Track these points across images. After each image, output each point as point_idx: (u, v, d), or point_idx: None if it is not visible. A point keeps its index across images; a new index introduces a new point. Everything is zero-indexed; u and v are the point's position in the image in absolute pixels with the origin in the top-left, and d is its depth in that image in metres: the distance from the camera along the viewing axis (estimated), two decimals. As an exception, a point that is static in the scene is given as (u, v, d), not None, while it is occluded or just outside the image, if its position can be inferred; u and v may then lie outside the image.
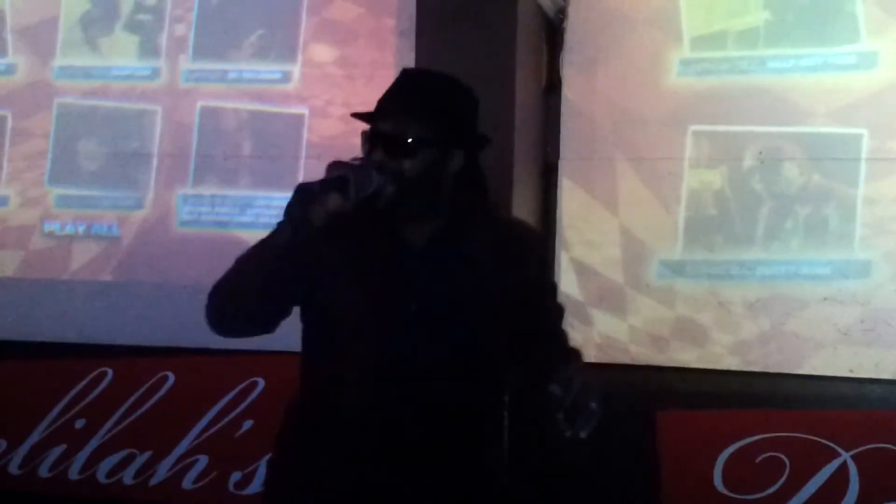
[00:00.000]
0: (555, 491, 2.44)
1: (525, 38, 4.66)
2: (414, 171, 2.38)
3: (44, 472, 4.80)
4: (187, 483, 4.69)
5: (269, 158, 4.92)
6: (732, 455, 4.22)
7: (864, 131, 4.39)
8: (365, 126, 2.43)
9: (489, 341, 2.48)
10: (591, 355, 4.26)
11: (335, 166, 2.31)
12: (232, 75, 5.02)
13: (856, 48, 4.43)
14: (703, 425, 4.29)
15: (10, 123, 5.18)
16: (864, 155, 4.38)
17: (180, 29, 5.08)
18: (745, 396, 4.33)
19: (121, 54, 5.14)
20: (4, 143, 5.17)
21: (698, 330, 4.48)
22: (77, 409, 4.80)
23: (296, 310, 2.51)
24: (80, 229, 5.07)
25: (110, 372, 4.79)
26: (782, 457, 4.18)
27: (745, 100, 4.52)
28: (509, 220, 2.93)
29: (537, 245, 2.64)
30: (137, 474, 4.73)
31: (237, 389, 4.67)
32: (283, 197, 5.00)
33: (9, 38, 5.21)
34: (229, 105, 5.01)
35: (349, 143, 4.64)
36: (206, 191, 4.97)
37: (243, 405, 4.66)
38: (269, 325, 2.43)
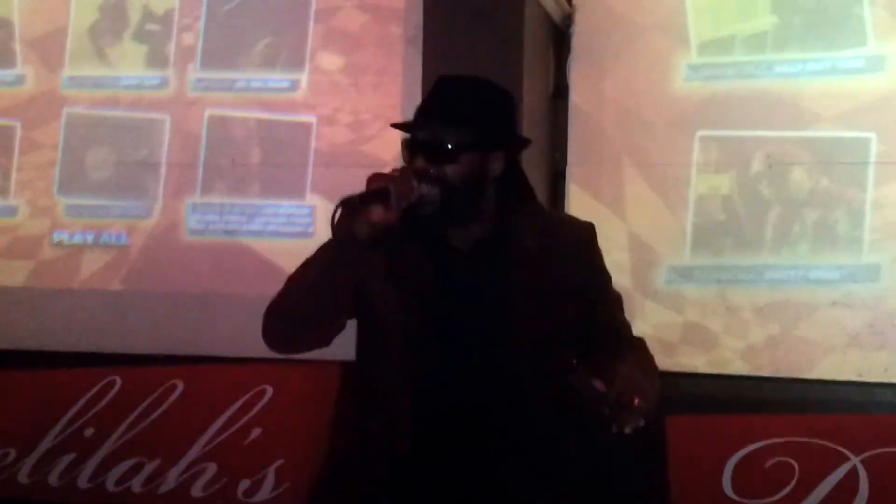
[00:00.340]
0: (564, 495, 2.45)
1: (532, 44, 4.66)
2: (456, 176, 2.39)
3: (53, 480, 4.81)
4: (196, 491, 4.69)
5: (277, 166, 4.93)
6: (742, 460, 4.21)
7: (872, 135, 4.38)
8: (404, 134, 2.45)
9: (547, 339, 2.47)
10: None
11: (375, 178, 2.32)
12: (240, 84, 5.03)
13: (863, 52, 4.42)
14: (713, 430, 4.28)
15: (19, 134, 5.20)
16: (872, 159, 4.37)
17: (188, 38, 5.09)
18: (754, 401, 4.31)
19: (129, 64, 5.15)
20: (14, 154, 5.18)
21: (707, 335, 4.47)
22: (86, 417, 4.80)
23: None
24: (90, 239, 5.08)
25: (119, 380, 4.80)
26: (791, 461, 4.17)
27: (753, 104, 4.51)
28: (559, 215, 2.93)
29: (591, 237, 2.63)
30: (146, 482, 4.74)
31: (246, 397, 4.67)
32: (291, 205, 5.04)
33: (17, 48, 5.23)
34: (237, 114, 5.02)
35: (357, 150, 4.69)
36: (215, 199, 4.98)
37: (252, 413, 4.66)
38: (325, 340, 2.46)
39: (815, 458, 4.15)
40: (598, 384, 2.29)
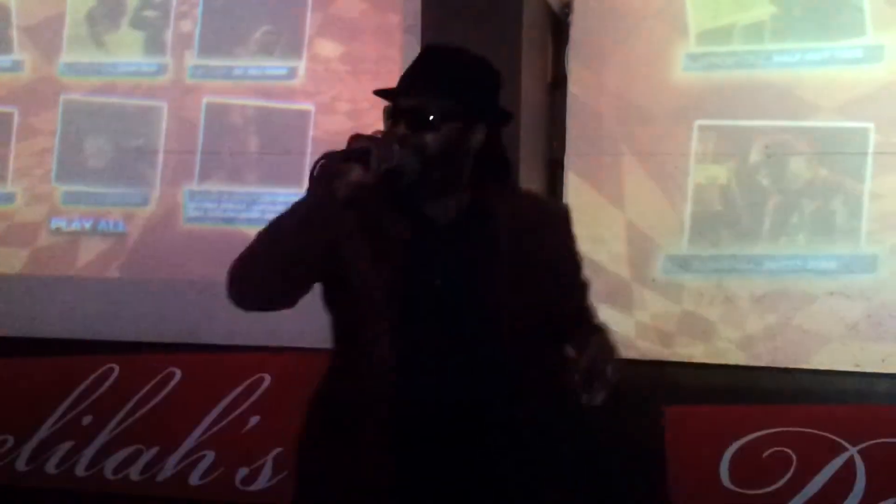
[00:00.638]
0: (561, 486, 2.44)
1: (530, 33, 4.66)
2: (436, 144, 2.37)
3: (51, 468, 4.81)
4: (194, 479, 4.69)
5: (275, 154, 4.93)
6: (739, 450, 4.21)
7: (870, 125, 4.37)
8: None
9: (519, 315, 2.44)
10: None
11: (357, 139, 2.30)
12: (237, 71, 5.03)
13: (862, 42, 4.41)
14: (710, 420, 4.28)
15: (16, 120, 5.19)
16: (870, 149, 4.37)
17: (186, 25, 5.09)
18: (751, 391, 4.32)
19: (127, 50, 5.15)
20: (11, 140, 5.18)
21: (705, 325, 4.47)
22: (84, 405, 4.80)
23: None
24: (87, 226, 5.08)
25: (117, 368, 4.79)
26: (789, 452, 4.17)
27: (752, 94, 4.50)
28: (536, 195, 2.91)
29: (566, 219, 2.60)
30: (144, 470, 4.73)
31: (243, 385, 4.67)
32: (288, 193, 5.03)
33: (14, 35, 5.22)
34: (235, 101, 5.01)
35: (355, 138, 4.69)
36: (213, 187, 4.98)
37: (250, 401, 4.66)
38: (290, 299, 2.39)
39: (812, 449, 4.15)
40: (569, 351, 2.28)
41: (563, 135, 4.71)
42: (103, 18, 5.18)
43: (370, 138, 2.31)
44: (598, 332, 2.43)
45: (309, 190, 2.29)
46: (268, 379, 4.66)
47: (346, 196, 2.26)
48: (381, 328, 2.40)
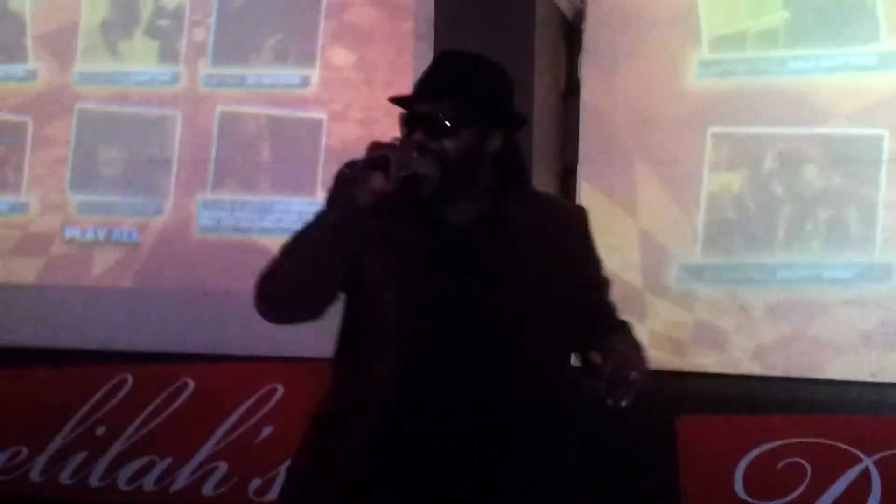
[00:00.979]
0: (568, 494, 2.44)
1: (543, 40, 4.66)
2: (454, 150, 2.38)
3: (65, 478, 4.81)
4: (207, 489, 4.69)
5: (288, 163, 4.93)
6: (753, 460, 4.19)
7: (885, 132, 4.35)
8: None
9: (539, 320, 2.44)
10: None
11: (375, 147, 2.30)
12: (251, 80, 5.03)
13: (876, 48, 4.40)
14: (724, 430, 4.26)
15: (30, 129, 5.20)
16: (885, 157, 4.35)
17: (199, 34, 5.09)
18: (765, 401, 4.30)
19: (140, 59, 5.16)
20: (25, 150, 5.19)
21: (718, 334, 4.45)
22: (98, 415, 4.80)
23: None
24: (101, 235, 5.09)
25: (130, 378, 4.80)
26: (803, 462, 4.15)
27: (765, 101, 4.49)
28: (553, 197, 2.92)
29: (584, 219, 2.61)
30: (158, 481, 4.74)
31: (257, 396, 4.67)
32: (302, 202, 5.04)
33: (29, 44, 5.23)
34: (248, 110, 5.02)
35: (368, 147, 4.68)
36: (226, 196, 4.99)
37: (263, 412, 4.66)
38: (318, 310, 2.40)
39: (827, 460, 4.13)
40: (595, 357, 2.28)
41: (576, 142, 4.70)
42: (117, 27, 5.19)
43: (389, 146, 2.31)
44: (623, 336, 2.45)
45: (330, 199, 2.30)
46: (281, 389, 4.66)
47: (368, 204, 2.27)
48: (399, 332, 2.39)
